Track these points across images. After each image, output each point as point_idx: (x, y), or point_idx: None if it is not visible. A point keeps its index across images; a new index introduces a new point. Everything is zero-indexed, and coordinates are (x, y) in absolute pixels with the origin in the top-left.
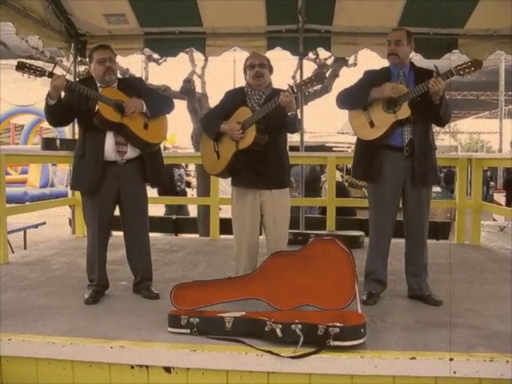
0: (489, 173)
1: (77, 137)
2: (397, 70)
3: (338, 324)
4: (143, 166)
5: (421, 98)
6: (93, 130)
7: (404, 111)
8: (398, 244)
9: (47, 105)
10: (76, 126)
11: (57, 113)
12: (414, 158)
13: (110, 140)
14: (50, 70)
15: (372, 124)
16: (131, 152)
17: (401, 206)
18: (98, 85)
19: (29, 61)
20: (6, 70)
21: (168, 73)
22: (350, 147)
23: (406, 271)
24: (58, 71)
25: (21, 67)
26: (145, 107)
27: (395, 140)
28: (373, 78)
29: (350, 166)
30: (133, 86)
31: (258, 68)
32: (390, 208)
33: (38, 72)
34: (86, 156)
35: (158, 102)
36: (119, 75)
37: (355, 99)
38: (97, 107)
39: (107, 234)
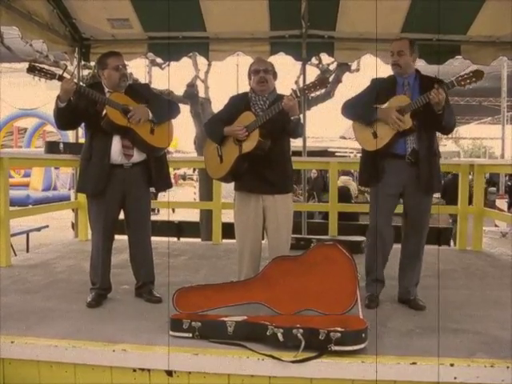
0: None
1: (80, 140)
2: (402, 80)
3: (340, 329)
4: (148, 169)
5: (423, 107)
6: (100, 133)
7: (406, 122)
8: (398, 249)
9: (57, 107)
10: (80, 129)
11: (66, 116)
12: (419, 166)
13: (116, 143)
14: (60, 73)
15: (375, 135)
16: (137, 155)
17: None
18: (106, 90)
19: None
20: (11, 73)
21: (171, 77)
22: (352, 152)
23: (399, 275)
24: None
25: (32, 69)
26: (151, 115)
27: (398, 149)
28: (379, 88)
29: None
30: (140, 91)
31: (263, 74)
32: (388, 212)
33: (49, 75)
34: (92, 159)
35: (164, 107)
36: None
37: (361, 115)
38: (105, 111)
39: (111, 237)
